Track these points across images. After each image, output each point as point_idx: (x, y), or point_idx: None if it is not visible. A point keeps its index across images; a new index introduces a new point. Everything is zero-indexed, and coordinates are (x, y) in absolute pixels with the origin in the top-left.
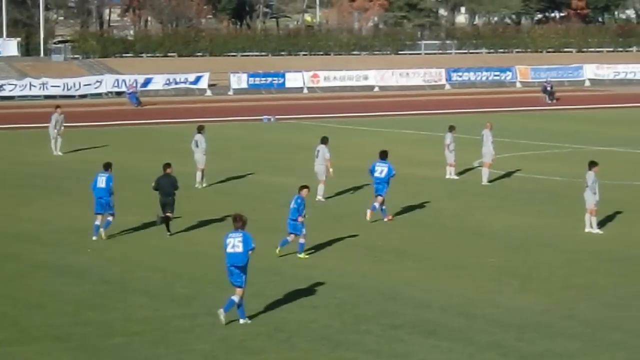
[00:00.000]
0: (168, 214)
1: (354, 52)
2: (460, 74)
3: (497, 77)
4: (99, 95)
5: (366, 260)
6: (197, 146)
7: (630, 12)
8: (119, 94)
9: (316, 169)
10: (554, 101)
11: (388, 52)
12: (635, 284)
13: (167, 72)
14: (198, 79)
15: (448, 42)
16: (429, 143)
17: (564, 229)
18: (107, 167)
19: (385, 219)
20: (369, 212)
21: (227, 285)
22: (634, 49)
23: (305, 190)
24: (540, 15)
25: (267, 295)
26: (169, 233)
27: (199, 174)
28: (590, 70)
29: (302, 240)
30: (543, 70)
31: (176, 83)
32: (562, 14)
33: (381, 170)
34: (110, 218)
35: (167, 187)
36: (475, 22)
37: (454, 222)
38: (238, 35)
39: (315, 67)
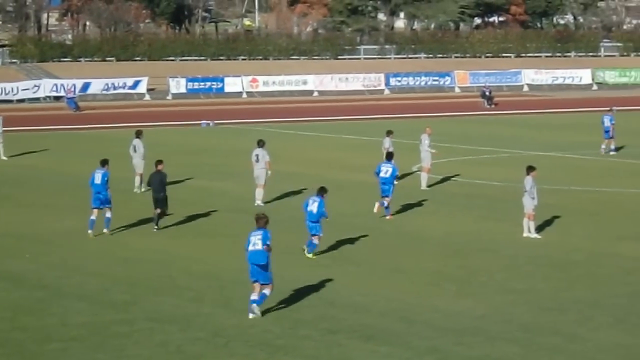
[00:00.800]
0: (160, 210)
1: (293, 57)
2: (399, 78)
3: (436, 82)
4: (37, 99)
5: (305, 265)
6: (135, 151)
7: (569, 18)
8: (57, 98)
9: (256, 173)
10: (493, 106)
11: (327, 57)
12: (574, 288)
13: (105, 77)
14: (136, 83)
15: (387, 47)
16: (367, 148)
17: (503, 234)
18: (104, 163)
19: (387, 217)
20: (377, 204)
21: (166, 290)
22: (572, 54)
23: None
24: (478, 21)
25: (206, 300)
26: (156, 227)
27: (137, 179)
28: (529, 76)
29: (316, 241)
30: (482, 75)
31: (115, 88)
32: (500, 19)
33: (386, 170)
34: (108, 214)
35: (157, 183)
36: (414, 27)
37: (393, 226)
38: (177, 39)
39: (255, 72)
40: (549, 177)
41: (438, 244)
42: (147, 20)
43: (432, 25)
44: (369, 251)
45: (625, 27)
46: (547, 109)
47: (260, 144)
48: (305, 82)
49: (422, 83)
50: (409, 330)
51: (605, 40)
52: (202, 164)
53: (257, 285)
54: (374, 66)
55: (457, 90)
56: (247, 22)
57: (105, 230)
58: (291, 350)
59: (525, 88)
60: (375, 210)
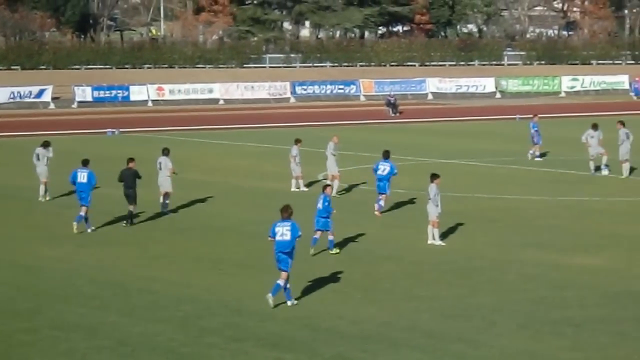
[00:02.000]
0: (131, 208)
1: (199, 65)
2: (305, 87)
3: (342, 91)
4: None
5: (211, 273)
6: (38, 159)
7: (472, 27)
8: None
9: (160, 181)
10: (397, 114)
11: (233, 66)
12: (477, 295)
13: (10, 85)
14: (41, 92)
15: (293, 55)
16: (274, 156)
17: (407, 241)
18: (86, 163)
19: (377, 213)
20: (377, 212)
21: (71, 298)
22: (476, 63)
23: (329, 189)
24: (383, 30)
25: (111, 309)
26: (125, 223)
27: (42, 188)
28: (433, 84)
29: (331, 237)
30: (387, 84)
31: (20, 97)
32: (405, 29)
33: (383, 169)
34: (82, 212)
35: (128, 179)
36: (319, 36)
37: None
38: (82, 48)
39: (160, 80)
40: (452, 185)
41: (343, 251)
42: (52, 29)
43: (337, 34)
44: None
45: (528, 36)
46: (451, 117)
47: (165, 152)
48: (211, 91)
49: (328, 91)
50: (314, 337)
51: (508, 49)
52: (107, 171)
53: (283, 273)
54: (279, 75)
55: (362, 98)
56: (153, 30)
57: (74, 224)
58: (197, 358)
59: (430, 96)
60: (377, 214)
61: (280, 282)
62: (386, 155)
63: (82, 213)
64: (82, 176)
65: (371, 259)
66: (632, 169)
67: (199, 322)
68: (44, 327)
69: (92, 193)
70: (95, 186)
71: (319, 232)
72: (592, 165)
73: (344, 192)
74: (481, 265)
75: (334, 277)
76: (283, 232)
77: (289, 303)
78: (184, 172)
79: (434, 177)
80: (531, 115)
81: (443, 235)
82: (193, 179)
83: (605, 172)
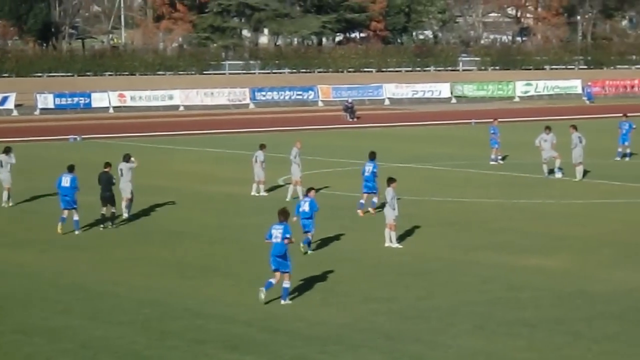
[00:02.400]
0: (107, 209)
1: (160, 72)
2: (264, 93)
3: (300, 96)
4: None
5: (172, 276)
6: (1, 166)
7: (428, 33)
8: None
9: (122, 186)
10: (355, 119)
11: (193, 72)
12: (434, 296)
13: None
14: (4, 99)
15: (252, 62)
16: (234, 161)
17: (365, 244)
18: (71, 168)
19: (371, 210)
20: (371, 209)
21: (34, 302)
22: (432, 68)
23: (312, 192)
24: (340, 37)
25: (74, 312)
26: (102, 225)
27: (5, 194)
28: (390, 90)
29: (309, 236)
30: (344, 90)
31: None
32: (362, 35)
33: (368, 169)
34: (76, 216)
35: (105, 182)
36: (278, 43)
37: (257, 238)
38: (44, 56)
39: (122, 87)
40: (409, 188)
41: (302, 254)
42: (14, 38)
43: (296, 41)
44: (234, 262)
45: (482, 42)
46: (408, 122)
47: (126, 158)
48: (171, 97)
49: (287, 97)
50: (274, 339)
51: (463, 55)
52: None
53: (277, 274)
54: (239, 81)
55: (320, 104)
56: (114, 38)
57: (76, 232)
58: None
59: (387, 102)
60: (371, 212)
61: (286, 284)
62: (372, 157)
63: (64, 215)
64: (66, 180)
65: (330, 261)
66: (585, 172)
67: (161, 325)
68: (6, 331)
69: (76, 196)
70: (78, 189)
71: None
72: (545, 168)
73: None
74: (438, 267)
75: (293, 280)
76: (276, 234)
77: (283, 302)
78: (145, 177)
79: (390, 181)
80: (491, 120)
81: (400, 238)
82: (154, 184)
83: (558, 175)
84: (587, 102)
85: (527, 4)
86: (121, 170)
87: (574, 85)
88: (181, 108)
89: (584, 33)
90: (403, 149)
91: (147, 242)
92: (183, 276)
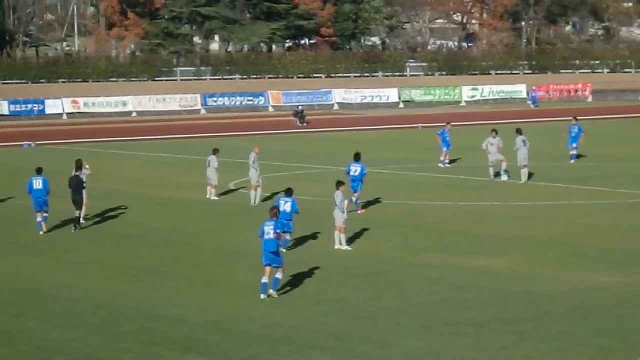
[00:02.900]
0: (77, 214)
1: (112, 79)
2: (215, 99)
3: (251, 102)
4: None
5: (125, 279)
6: None
7: (376, 39)
8: None
9: None
10: (305, 124)
11: (145, 79)
12: (383, 297)
13: None
14: None
15: (203, 68)
16: (186, 165)
17: (315, 246)
18: (40, 171)
19: (359, 212)
20: (346, 201)
21: None
22: (380, 74)
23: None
24: (290, 43)
25: (28, 316)
26: (74, 229)
27: None
28: (339, 95)
29: (288, 237)
30: (294, 95)
31: None
32: (311, 42)
33: (355, 169)
34: (46, 214)
35: (75, 186)
36: (228, 50)
37: (210, 241)
38: None
39: (75, 94)
40: (362, 193)
41: (254, 257)
42: None
43: (246, 48)
44: (186, 265)
45: (429, 47)
46: (357, 127)
47: (79, 165)
48: (124, 103)
49: (237, 103)
50: (226, 340)
51: (410, 60)
52: (24, 184)
53: (268, 269)
54: (190, 87)
55: (270, 109)
56: (67, 46)
57: (40, 232)
58: None
59: (336, 107)
60: (359, 213)
61: (279, 275)
62: (357, 157)
63: (39, 219)
64: (38, 183)
65: None
66: (530, 174)
67: (114, 327)
68: None
69: (48, 198)
70: (49, 191)
71: (288, 234)
72: (491, 171)
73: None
74: (386, 268)
75: (244, 282)
76: (268, 231)
77: (270, 292)
78: (98, 182)
79: (339, 184)
80: (443, 124)
81: (349, 240)
82: (107, 188)
83: (504, 177)
84: (532, 106)
85: (472, 10)
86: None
87: (519, 89)
88: (134, 114)
89: (529, 38)
90: (351, 153)
91: (101, 245)
92: (136, 279)
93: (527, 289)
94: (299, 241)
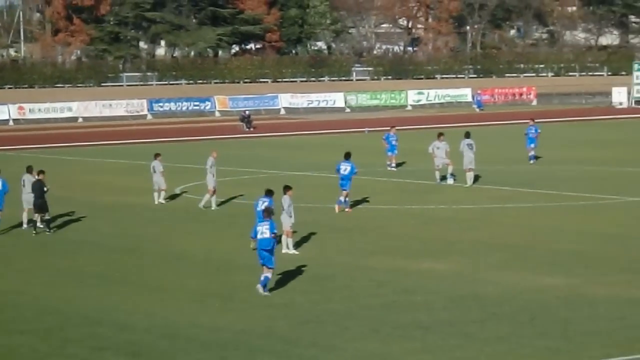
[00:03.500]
0: (41, 214)
1: (58, 85)
2: (161, 104)
3: (197, 107)
4: None
5: (73, 285)
6: None
7: (322, 44)
8: None
9: (24, 197)
10: (252, 129)
11: (91, 84)
12: (330, 301)
13: None
14: None
15: (149, 74)
16: (132, 171)
17: None
18: None
19: (347, 210)
20: (336, 206)
21: None
22: (326, 78)
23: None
24: (236, 48)
25: None
26: (37, 230)
27: None
28: (285, 99)
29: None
30: (241, 100)
31: None
32: (257, 46)
33: (345, 168)
34: None
35: (37, 190)
36: (174, 55)
37: (157, 246)
38: None
39: (21, 100)
40: (305, 196)
41: (202, 262)
42: None
43: (192, 53)
44: (133, 271)
45: (375, 52)
46: (303, 131)
47: (29, 169)
48: (70, 109)
49: (184, 108)
50: (173, 346)
51: (356, 65)
52: None
53: (265, 268)
54: (136, 92)
55: (217, 114)
56: (13, 52)
57: None
58: None
59: (282, 111)
60: (336, 210)
61: (268, 274)
62: (347, 157)
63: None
64: None
65: (229, 268)
66: (476, 178)
67: (61, 333)
68: None
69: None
70: (7, 191)
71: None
72: (438, 175)
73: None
74: (333, 272)
75: (192, 288)
76: (262, 230)
77: (263, 290)
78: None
79: (286, 188)
80: (388, 128)
81: (297, 244)
82: (54, 194)
83: (450, 181)
84: (477, 109)
85: (418, 15)
86: (23, 181)
87: (464, 93)
88: (80, 120)
89: (474, 43)
90: (299, 158)
91: (48, 251)
92: (83, 285)
93: (473, 292)
94: (247, 246)
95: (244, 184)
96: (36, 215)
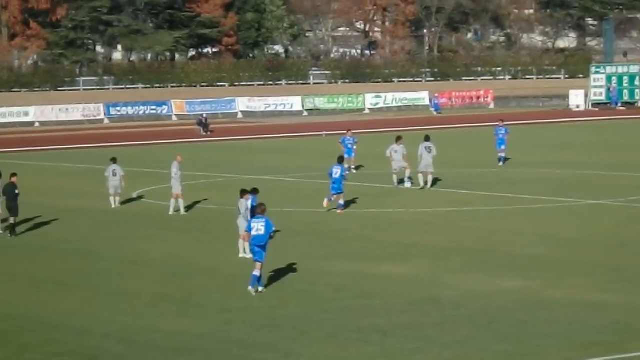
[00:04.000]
0: (12, 220)
1: (15, 89)
2: (118, 108)
3: (154, 111)
4: None
5: (29, 290)
6: None
7: (279, 48)
8: None
9: None
10: (209, 133)
11: (48, 89)
12: (288, 305)
13: None
14: None
15: (106, 78)
16: (89, 175)
17: (220, 255)
18: None
19: (339, 211)
20: (325, 200)
21: None
22: (283, 82)
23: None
24: (193, 52)
25: None
26: (10, 235)
27: None
28: (243, 103)
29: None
30: (198, 104)
31: None
32: (214, 50)
33: (336, 172)
34: None
35: (11, 193)
36: (131, 59)
37: (112, 251)
38: None
39: None
40: (263, 200)
41: (158, 266)
42: None
43: (149, 57)
44: (90, 275)
45: (332, 55)
46: (261, 135)
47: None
48: (26, 114)
49: (141, 112)
50: (130, 350)
51: (314, 68)
52: None
53: (258, 264)
54: (93, 97)
55: (174, 118)
56: None
57: None
58: None
59: (240, 115)
60: (324, 205)
61: (256, 272)
62: (340, 161)
63: None
64: None
65: (185, 273)
66: (434, 181)
67: (18, 338)
68: None
69: None
70: None
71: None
72: (395, 178)
73: (156, 209)
74: (291, 276)
75: (149, 292)
76: (258, 227)
77: (260, 289)
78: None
79: (244, 192)
80: (345, 131)
81: None
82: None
83: (408, 184)
84: (435, 113)
85: (375, 19)
86: None
87: (422, 97)
88: (36, 124)
89: (431, 46)
90: (256, 161)
91: (3, 256)
92: (40, 290)
93: (431, 295)
94: (204, 250)
95: (202, 188)
96: (12, 218)
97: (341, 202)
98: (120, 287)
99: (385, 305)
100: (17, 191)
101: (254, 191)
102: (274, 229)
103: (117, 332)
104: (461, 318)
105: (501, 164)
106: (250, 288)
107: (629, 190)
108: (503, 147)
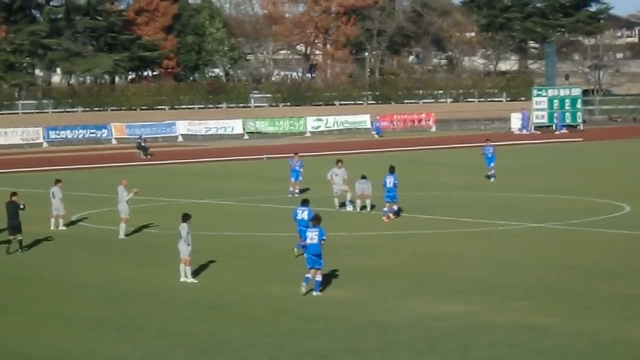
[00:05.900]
0: (16, 235)
1: None
2: (57, 132)
3: (94, 135)
4: None
5: None
6: None
7: (219, 71)
8: None
9: None
10: (148, 156)
11: None
12: (229, 330)
13: None
14: None
15: (45, 101)
16: (28, 199)
17: (160, 279)
18: None
19: (385, 219)
20: (384, 217)
21: None
22: (224, 105)
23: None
24: (133, 75)
25: None
26: (19, 250)
27: None
28: (183, 126)
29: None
30: (137, 127)
31: None
32: (154, 73)
33: (390, 181)
34: None
35: (12, 211)
36: (71, 82)
37: (52, 275)
38: None
39: None
40: (203, 224)
41: (97, 290)
42: None
43: (89, 80)
44: (29, 300)
45: (273, 78)
46: (201, 158)
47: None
48: None
49: (80, 136)
50: None
51: (255, 91)
52: None
53: (313, 271)
54: (32, 120)
55: (114, 142)
56: None
57: None
58: None
59: (180, 138)
60: (392, 217)
61: (318, 278)
62: (392, 170)
63: None
64: None
65: (125, 297)
66: (373, 205)
67: None
68: None
69: None
70: None
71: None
72: (336, 201)
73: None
74: (232, 300)
75: (88, 317)
76: (312, 236)
77: (314, 293)
78: None
79: (185, 217)
80: (292, 154)
81: (195, 273)
82: None
83: (349, 208)
84: (376, 136)
85: (315, 41)
86: None
87: (363, 120)
88: None
89: (372, 69)
90: (197, 185)
91: None
92: None
93: (372, 319)
94: (144, 274)
95: (141, 212)
96: (14, 236)
97: (385, 209)
98: (60, 312)
99: (326, 330)
100: (21, 205)
101: (306, 202)
102: (324, 237)
103: (56, 357)
104: (403, 342)
105: (492, 180)
106: (316, 292)
107: (570, 213)
108: (492, 165)
